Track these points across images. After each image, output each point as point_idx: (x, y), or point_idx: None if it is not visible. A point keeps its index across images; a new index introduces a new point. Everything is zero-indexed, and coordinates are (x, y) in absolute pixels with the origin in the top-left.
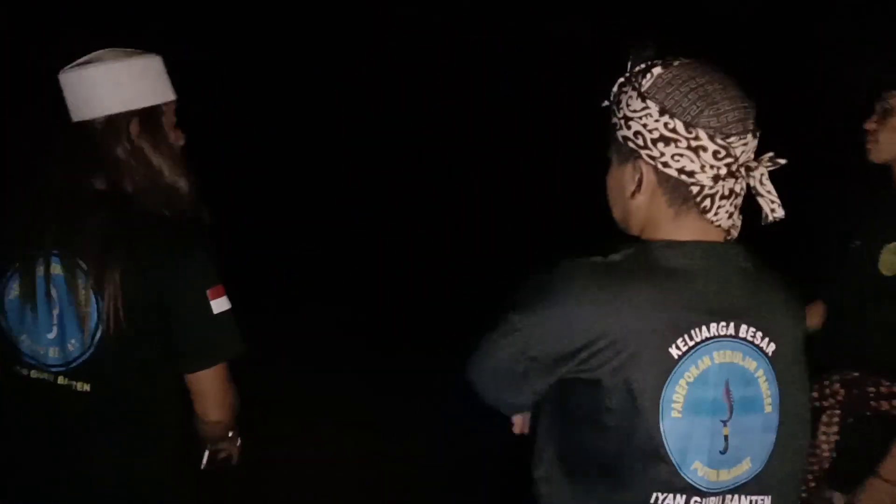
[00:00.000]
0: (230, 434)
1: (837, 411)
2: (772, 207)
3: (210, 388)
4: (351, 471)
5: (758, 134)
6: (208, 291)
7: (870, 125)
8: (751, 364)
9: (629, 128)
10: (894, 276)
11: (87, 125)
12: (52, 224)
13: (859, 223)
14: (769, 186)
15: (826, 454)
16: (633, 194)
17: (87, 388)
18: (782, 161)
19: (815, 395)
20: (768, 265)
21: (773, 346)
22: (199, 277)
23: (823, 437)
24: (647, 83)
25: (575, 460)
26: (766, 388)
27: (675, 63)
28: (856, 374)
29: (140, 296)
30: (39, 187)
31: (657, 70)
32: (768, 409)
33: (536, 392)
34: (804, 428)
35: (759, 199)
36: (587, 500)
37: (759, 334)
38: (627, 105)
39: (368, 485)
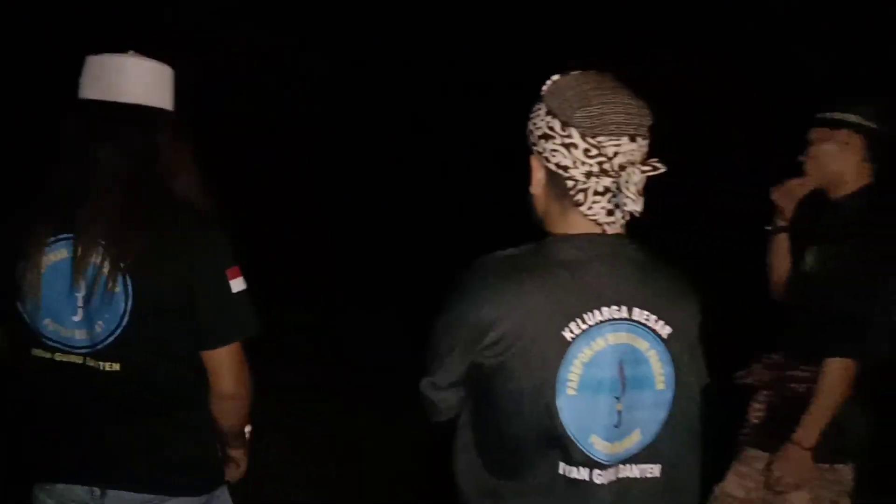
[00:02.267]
0: (247, 430)
1: (765, 391)
2: (624, 202)
3: (228, 365)
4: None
5: (638, 140)
6: (227, 271)
7: (802, 157)
8: (643, 345)
9: (528, 127)
10: (814, 274)
11: (135, 108)
12: (72, 207)
13: (797, 220)
14: (632, 188)
15: (754, 422)
16: (530, 188)
17: (116, 367)
18: (661, 167)
19: (747, 375)
20: (665, 260)
21: (668, 329)
22: (220, 258)
23: (754, 412)
24: (545, 88)
25: (488, 443)
26: (658, 368)
27: (575, 73)
28: (781, 359)
29: (165, 276)
30: (74, 168)
31: (556, 77)
32: (660, 386)
33: (454, 377)
34: (695, 407)
35: (620, 197)
36: (500, 473)
37: (654, 318)
38: (532, 108)
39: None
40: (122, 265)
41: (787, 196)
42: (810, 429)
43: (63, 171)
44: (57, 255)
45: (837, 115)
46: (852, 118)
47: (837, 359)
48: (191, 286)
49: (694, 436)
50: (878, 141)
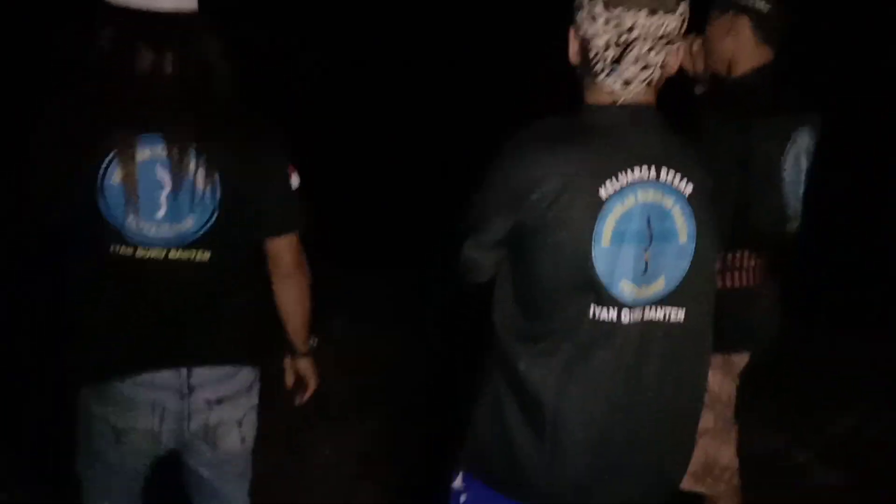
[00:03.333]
0: (312, 341)
1: None
2: (634, 77)
3: (289, 249)
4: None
5: (659, 13)
6: (288, 167)
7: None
8: (668, 202)
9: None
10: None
11: (183, 16)
12: (152, 109)
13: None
14: (639, 62)
15: None
16: (570, 56)
17: (206, 256)
18: (676, 40)
19: None
20: (678, 130)
21: (689, 187)
22: (283, 156)
23: None
24: None
25: (526, 290)
26: (681, 223)
27: None
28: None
29: (244, 172)
30: (133, 71)
31: None
32: (683, 239)
33: (499, 236)
34: (713, 260)
35: (630, 69)
36: (536, 318)
37: (678, 176)
38: None
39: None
40: (214, 165)
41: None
42: None
43: (114, 76)
44: (143, 154)
45: None
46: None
47: None
48: (261, 180)
49: (711, 286)
50: (767, 22)
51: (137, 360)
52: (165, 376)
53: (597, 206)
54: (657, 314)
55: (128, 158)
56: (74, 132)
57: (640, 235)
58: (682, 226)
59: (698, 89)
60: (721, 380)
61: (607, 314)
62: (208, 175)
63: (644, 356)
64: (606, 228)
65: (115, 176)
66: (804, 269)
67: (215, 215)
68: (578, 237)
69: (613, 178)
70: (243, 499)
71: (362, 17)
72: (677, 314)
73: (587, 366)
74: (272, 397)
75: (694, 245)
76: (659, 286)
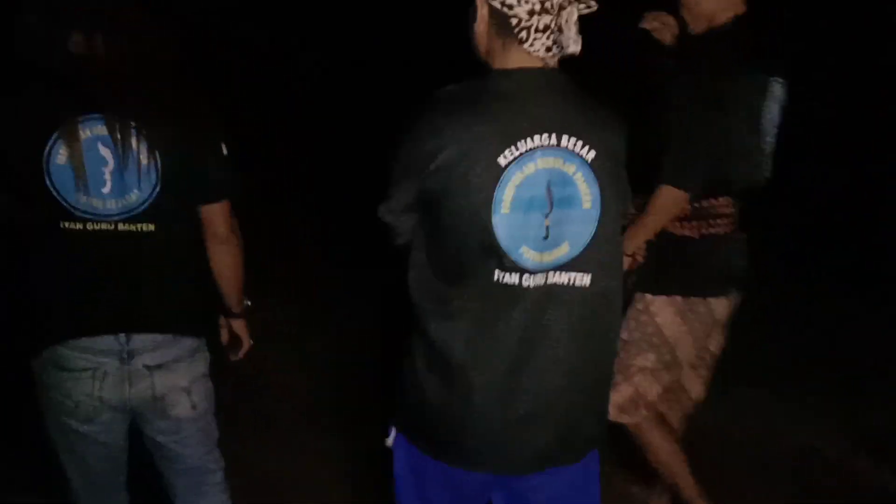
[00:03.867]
0: (246, 302)
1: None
2: (567, 43)
3: (222, 215)
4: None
5: None
6: (218, 137)
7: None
8: (570, 168)
9: None
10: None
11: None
12: (89, 90)
13: None
14: (572, 27)
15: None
16: (472, 25)
17: (151, 227)
18: (594, 5)
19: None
20: (589, 92)
21: (592, 153)
22: (215, 129)
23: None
24: None
25: (434, 257)
26: (584, 189)
27: None
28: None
29: (182, 145)
30: (69, 54)
31: None
32: (587, 205)
33: (406, 201)
34: (618, 225)
35: (560, 36)
36: (446, 281)
37: (580, 143)
38: None
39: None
40: (153, 141)
41: (665, 28)
42: (631, 239)
43: (47, 59)
44: (85, 133)
45: None
46: None
47: (665, 185)
48: (196, 153)
49: (617, 250)
50: None
51: (80, 327)
52: (106, 341)
53: (496, 173)
54: (561, 278)
55: (72, 139)
56: (15, 119)
57: (540, 202)
58: (586, 192)
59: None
60: (672, 321)
61: (510, 278)
62: (149, 151)
63: (549, 318)
64: (506, 195)
65: (60, 156)
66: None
67: (157, 188)
68: (478, 204)
69: (513, 146)
70: (208, 459)
71: (361, 18)
72: (582, 279)
73: (492, 327)
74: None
75: (599, 211)
76: (562, 251)
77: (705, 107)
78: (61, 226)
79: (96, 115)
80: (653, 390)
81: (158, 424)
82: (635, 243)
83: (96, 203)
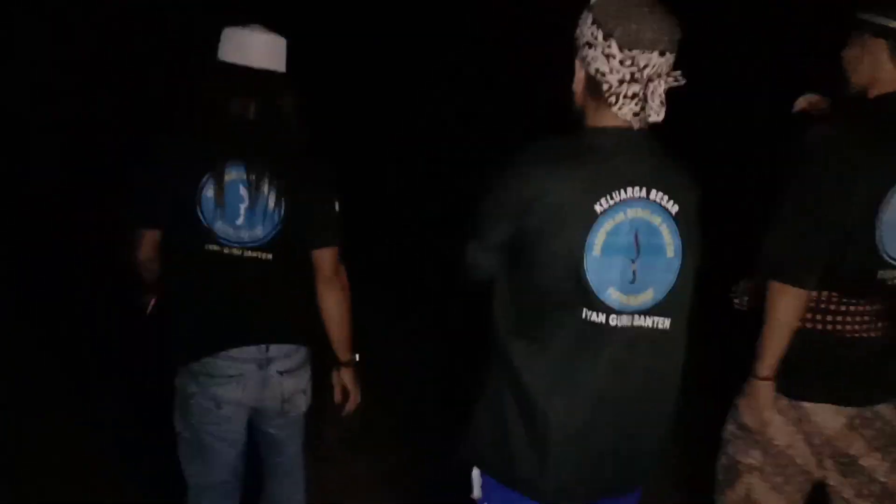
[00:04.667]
0: (356, 357)
1: None
2: (649, 113)
3: (329, 260)
4: None
5: (667, 54)
6: (333, 198)
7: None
8: (656, 219)
9: (576, 33)
10: None
11: (270, 74)
12: (238, 143)
13: None
14: (657, 98)
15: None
16: (572, 85)
17: (269, 256)
18: (682, 80)
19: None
20: (671, 151)
21: (676, 207)
22: (330, 189)
23: None
24: (594, 1)
25: (522, 293)
26: (668, 239)
27: None
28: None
29: (302, 196)
30: (218, 114)
31: None
32: (670, 254)
33: (500, 240)
34: (693, 276)
35: (645, 104)
36: (532, 319)
37: (665, 197)
38: (580, 16)
39: None
40: (281, 190)
41: (815, 103)
42: (760, 356)
43: (212, 116)
44: (230, 175)
45: (861, 16)
46: (874, 19)
47: (773, 281)
48: (312, 205)
49: (691, 297)
50: None
51: (227, 339)
52: (251, 351)
53: (591, 220)
54: (645, 322)
55: (219, 178)
56: (181, 157)
57: (628, 248)
58: (670, 242)
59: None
60: (782, 425)
61: (596, 318)
62: (276, 197)
63: (630, 358)
64: (598, 240)
65: (209, 191)
66: None
67: (278, 227)
68: (572, 246)
69: (608, 196)
70: (300, 447)
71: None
72: (664, 323)
73: (575, 365)
74: None
75: (680, 261)
76: (648, 297)
77: (827, 189)
78: (205, 247)
79: (241, 163)
80: (770, 498)
81: (278, 421)
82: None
83: (230, 231)
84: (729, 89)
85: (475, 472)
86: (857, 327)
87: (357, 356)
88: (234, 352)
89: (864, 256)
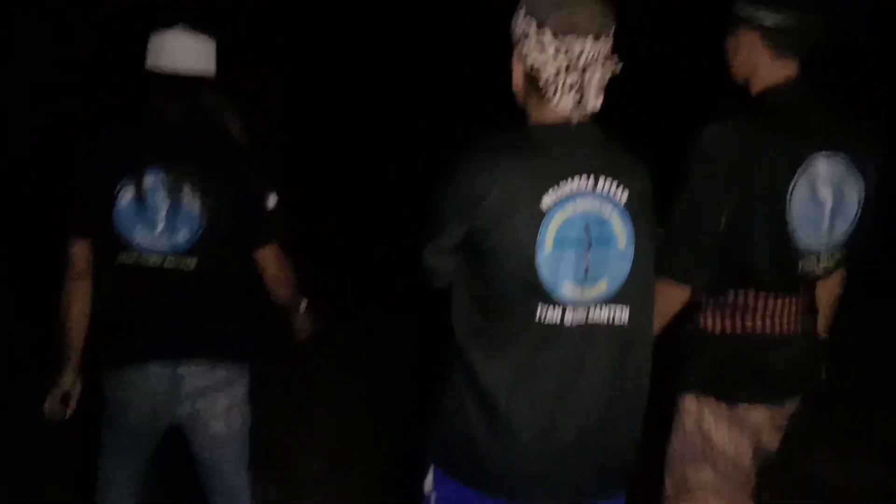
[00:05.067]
0: (302, 304)
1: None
2: (586, 101)
3: (271, 259)
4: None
5: (602, 38)
6: (266, 191)
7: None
8: (605, 209)
9: (511, 27)
10: None
11: (194, 76)
12: (156, 146)
13: None
14: (593, 85)
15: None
16: (512, 84)
17: (192, 264)
18: (618, 66)
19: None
20: (616, 140)
21: (625, 195)
22: (262, 180)
23: None
24: None
25: (479, 291)
26: (619, 228)
27: None
28: None
29: (227, 196)
30: (143, 120)
31: None
32: (622, 244)
33: (454, 241)
34: (650, 258)
35: (583, 94)
36: (489, 318)
37: (614, 186)
38: (515, 11)
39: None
40: (202, 191)
41: None
42: None
43: (138, 121)
44: (149, 181)
45: (735, 9)
46: (745, 12)
47: (664, 279)
48: (239, 205)
49: (650, 285)
50: (782, 35)
51: (137, 354)
52: (157, 368)
53: (539, 215)
54: (601, 313)
55: (138, 184)
56: (101, 165)
57: (579, 241)
58: (621, 231)
59: None
60: (727, 432)
61: (552, 314)
62: (200, 199)
63: (589, 352)
64: (549, 235)
65: (126, 198)
66: None
67: (200, 232)
68: (523, 243)
69: (554, 190)
70: (240, 477)
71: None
72: (622, 313)
73: (535, 362)
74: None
75: (633, 249)
76: (602, 288)
77: (714, 186)
78: (120, 256)
79: (160, 167)
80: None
81: (200, 441)
82: None
83: (150, 239)
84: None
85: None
86: (783, 323)
87: (304, 302)
88: (142, 366)
89: (779, 250)
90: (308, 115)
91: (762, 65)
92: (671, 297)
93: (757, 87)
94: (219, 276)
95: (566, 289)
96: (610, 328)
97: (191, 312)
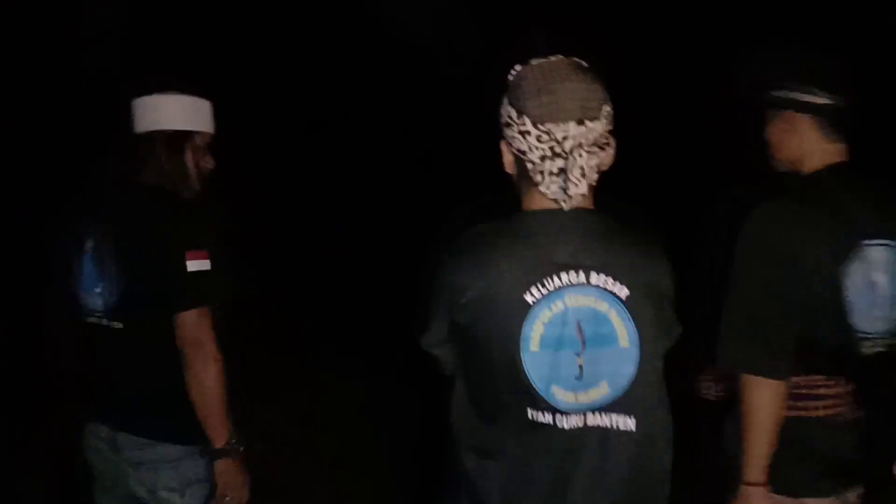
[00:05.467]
0: (232, 440)
1: None
2: (566, 187)
3: (186, 329)
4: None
5: (587, 123)
6: (187, 253)
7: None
8: (602, 306)
9: (498, 112)
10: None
11: (139, 134)
12: (94, 208)
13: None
14: (576, 170)
15: None
16: (505, 166)
17: (119, 325)
18: (609, 146)
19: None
20: (630, 228)
21: (626, 290)
22: (182, 241)
23: None
24: (510, 79)
25: (474, 392)
26: (620, 326)
27: (536, 61)
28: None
29: (142, 257)
30: (98, 185)
31: (518, 67)
32: (624, 343)
33: (441, 335)
34: (659, 362)
35: (568, 177)
36: (484, 418)
37: (611, 280)
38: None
39: None
40: (118, 253)
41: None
42: (746, 460)
43: (94, 182)
44: (88, 244)
45: (777, 93)
46: (795, 96)
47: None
48: (156, 268)
49: (661, 390)
50: (834, 116)
51: (92, 412)
52: (104, 430)
53: (523, 311)
54: (602, 421)
55: (78, 248)
56: (64, 229)
57: (571, 340)
58: (622, 330)
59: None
60: None
61: (543, 418)
62: (113, 262)
63: (588, 461)
64: (535, 333)
65: (76, 257)
66: None
67: (117, 296)
68: (507, 341)
69: (539, 284)
70: None
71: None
72: (626, 422)
73: (526, 468)
74: None
75: (638, 349)
76: (602, 392)
77: (772, 270)
78: (77, 316)
79: (93, 231)
80: None
81: None
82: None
83: (89, 300)
84: None
85: None
86: (840, 409)
87: (236, 440)
88: (91, 426)
89: (838, 334)
90: (302, 179)
91: (815, 148)
92: (766, 396)
93: (807, 167)
94: (150, 342)
95: (556, 393)
96: (615, 435)
97: (126, 379)
